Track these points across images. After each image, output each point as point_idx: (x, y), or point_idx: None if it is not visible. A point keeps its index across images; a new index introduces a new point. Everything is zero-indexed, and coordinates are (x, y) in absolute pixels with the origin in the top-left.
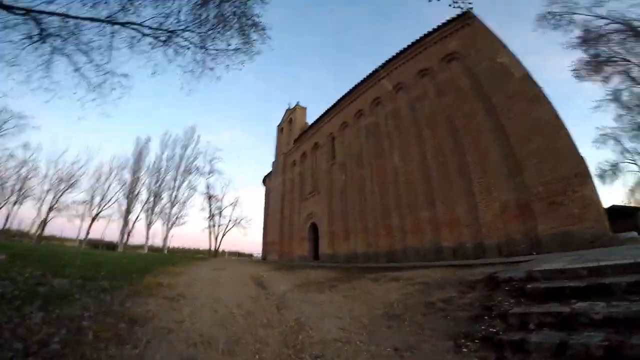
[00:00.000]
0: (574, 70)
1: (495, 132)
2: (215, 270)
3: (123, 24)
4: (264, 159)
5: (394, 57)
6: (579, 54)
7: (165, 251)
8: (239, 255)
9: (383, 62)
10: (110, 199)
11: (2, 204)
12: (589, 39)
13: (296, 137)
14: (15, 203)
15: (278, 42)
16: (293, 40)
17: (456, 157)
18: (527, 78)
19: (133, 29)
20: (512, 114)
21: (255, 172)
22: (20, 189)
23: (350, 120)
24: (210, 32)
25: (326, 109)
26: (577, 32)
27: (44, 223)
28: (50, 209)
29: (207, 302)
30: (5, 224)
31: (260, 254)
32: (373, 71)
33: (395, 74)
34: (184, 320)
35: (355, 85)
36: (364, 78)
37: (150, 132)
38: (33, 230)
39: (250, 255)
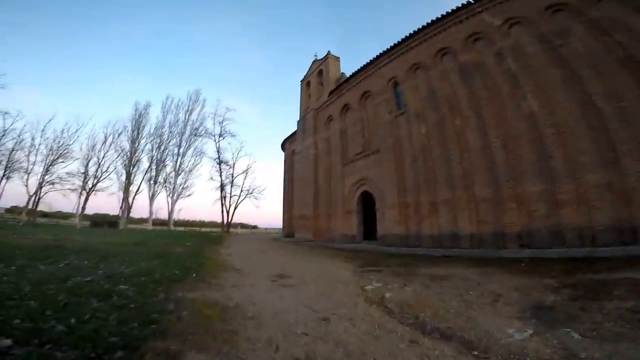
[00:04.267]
0: None
1: None
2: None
3: None
4: (275, 129)
5: None
6: None
7: (171, 226)
8: (253, 228)
9: None
10: (108, 169)
11: None
12: None
13: (332, 88)
14: (2, 178)
15: None
16: None
17: None
18: None
19: None
20: None
21: (264, 143)
22: (7, 163)
23: (427, 60)
24: None
25: (381, 51)
26: None
27: (37, 199)
28: (42, 183)
29: None
30: None
31: (281, 229)
32: (462, 5)
33: (504, 6)
34: None
35: (432, 22)
36: (446, 13)
37: (150, 98)
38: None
39: (266, 230)
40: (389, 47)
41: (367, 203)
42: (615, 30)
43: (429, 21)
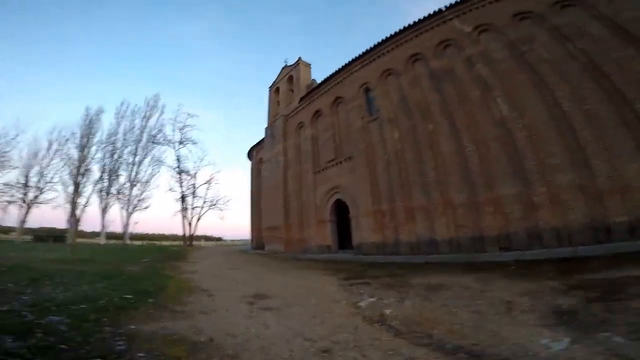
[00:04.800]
0: None
1: None
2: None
3: None
4: (238, 138)
5: None
6: None
7: (127, 240)
8: (217, 240)
9: (451, 2)
10: (52, 179)
11: None
12: None
13: (303, 94)
14: None
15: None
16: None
17: (614, 105)
18: None
19: None
20: None
21: (227, 152)
22: None
23: (399, 66)
24: None
25: (354, 57)
26: None
27: None
28: None
29: None
30: None
31: (250, 241)
32: (434, 12)
33: (474, 14)
34: None
35: (404, 28)
36: (418, 20)
37: (104, 103)
38: None
39: (232, 242)
40: (361, 53)
41: (341, 211)
42: (577, 37)
43: (401, 28)
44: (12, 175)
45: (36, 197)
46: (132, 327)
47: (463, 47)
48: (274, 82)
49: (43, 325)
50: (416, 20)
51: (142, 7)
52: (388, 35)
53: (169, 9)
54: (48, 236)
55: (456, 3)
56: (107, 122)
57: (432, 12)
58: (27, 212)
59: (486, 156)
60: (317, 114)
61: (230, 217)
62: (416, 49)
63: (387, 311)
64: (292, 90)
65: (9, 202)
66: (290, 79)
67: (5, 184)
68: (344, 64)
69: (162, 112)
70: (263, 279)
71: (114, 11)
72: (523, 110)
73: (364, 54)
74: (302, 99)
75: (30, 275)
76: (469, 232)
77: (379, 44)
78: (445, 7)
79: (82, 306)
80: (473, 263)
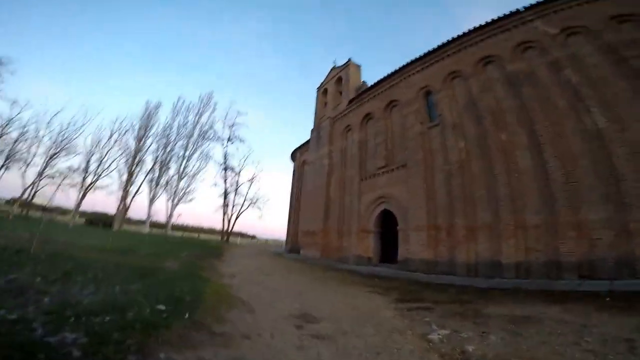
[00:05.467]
0: None
1: None
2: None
3: None
4: (281, 139)
5: None
6: None
7: (169, 231)
8: (252, 239)
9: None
10: (109, 167)
11: None
12: None
13: (352, 97)
14: (1, 167)
15: None
16: None
17: None
18: None
19: None
20: None
21: (271, 152)
22: (8, 153)
23: (467, 69)
24: None
25: (413, 58)
26: None
27: (33, 192)
28: (40, 175)
29: None
30: None
31: (284, 243)
32: (510, 13)
33: (561, 15)
34: None
35: (475, 29)
36: (492, 21)
37: (162, 99)
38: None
39: (266, 241)
40: (422, 54)
41: (386, 223)
42: None
43: (471, 28)
44: (75, 161)
45: (93, 182)
46: (162, 356)
47: (547, 50)
48: (321, 83)
49: (52, 347)
50: (488, 20)
51: (199, 9)
52: (454, 36)
53: (220, 11)
54: (99, 221)
55: (538, 3)
56: (163, 117)
57: (508, 13)
58: (83, 196)
59: (572, 174)
60: (367, 117)
61: (266, 216)
62: (488, 51)
63: (470, 348)
64: (341, 93)
65: (71, 186)
66: (339, 80)
67: (69, 168)
68: (400, 66)
69: (214, 109)
70: (306, 292)
71: (175, 12)
72: (625, 123)
73: (425, 55)
74: (351, 101)
75: (65, 266)
76: (542, 257)
77: (443, 45)
78: (525, 7)
79: (107, 318)
80: (550, 291)
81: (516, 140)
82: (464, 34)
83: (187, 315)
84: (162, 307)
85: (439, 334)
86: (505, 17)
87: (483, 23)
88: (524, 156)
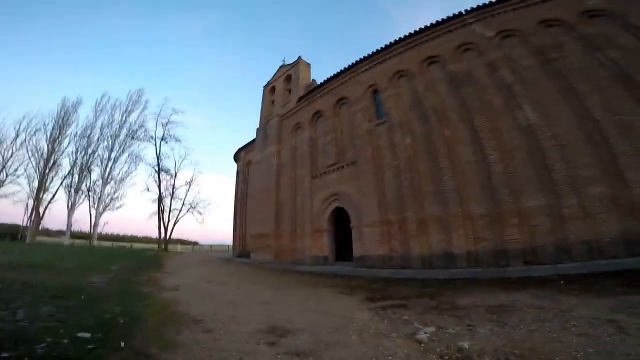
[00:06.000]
0: None
1: None
2: None
3: None
4: (222, 140)
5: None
6: None
7: (95, 241)
8: (194, 245)
9: (474, 6)
10: (16, 172)
11: None
12: None
13: (302, 94)
14: None
15: None
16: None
17: None
18: None
19: None
20: None
21: (211, 154)
22: None
23: (412, 68)
24: None
25: (361, 57)
26: None
27: None
28: None
29: None
30: None
31: (232, 248)
32: (453, 15)
33: (497, 20)
34: None
35: (420, 30)
36: (436, 22)
37: (83, 96)
38: None
39: (210, 247)
40: (370, 53)
41: (339, 220)
42: (607, 47)
43: (416, 29)
44: None
45: None
46: None
47: (484, 51)
48: (269, 81)
49: None
50: (433, 22)
51: (138, 5)
52: (401, 37)
53: (164, 6)
54: (5, 233)
55: (478, 7)
56: (84, 116)
57: (451, 15)
58: None
59: (510, 165)
60: (317, 115)
61: (208, 221)
62: (433, 51)
63: (465, 344)
64: (290, 91)
65: None
66: (288, 78)
67: None
68: (350, 64)
69: (144, 108)
70: (269, 302)
71: (110, 9)
72: (552, 119)
73: (373, 54)
74: (300, 98)
75: None
76: (490, 245)
77: (391, 45)
78: (466, 10)
79: (2, 355)
80: (507, 278)
81: (458, 135)
82: (410, 35)
83: (122, 343)
84: (85, 334)
85: (425, 333)
86: (449, 19)
87: (428, 24)
88: (466, 151)
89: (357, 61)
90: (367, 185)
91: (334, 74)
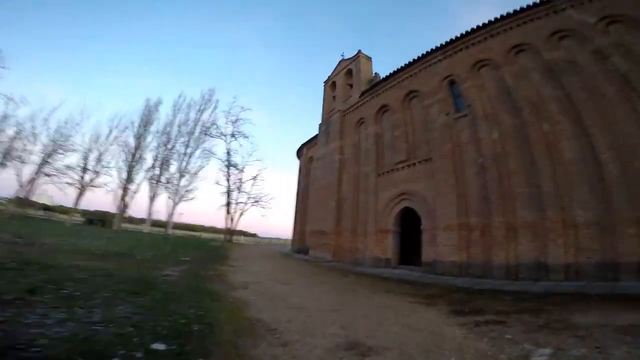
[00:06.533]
0: None
1: None
2: None
3: None
4: (286, 137)
5: None
6: None
7: (170, 230)
8: (253, 237)
9: None
10: (108, 164)
11: None
12: None
13: (364, 89)
14: None
15: None
16: None
17: None
18: None
19: None
20: None
21: (275, 150)
22: (5, 150)
23: (496, 57)
24: None
25: (433, 48)
26: None
27: (30, 190)
28: (37, 174)
29: None
30: None
31: (291, 242)
32: (540, 2)
33: (597, 5)
34: None
35: (502, 17)
36: (520, 9)
37: (163, 95)
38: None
39: (270, 240)
40: (444, 43)
41: (406, 222)
42: None
43: (497, 16)
44: (73, 159)
45: (92, 180)
46: None
47: (588, 38)
48: (329, 76)
49: None
50: (517, 9)
51: (200, 9)
52: (480, 24)
53: (220, 10)
54: (98, 220)
55: None
56: (164, 114)
57: (538, 1)
58: (81, 195)
59: (631, 165)
60: (383, 109)
61: (269, 215)
62: (520, 39)
63: None
64: (351, 85)
65: (68, 184)
66: (349, 72)
67: (67, 166)
68: (420, 55)
69: (215, 107)
70: (340, 308)
71: (177, 14)
72: None
73: (448, 43)
74: (363, 92)
75: (33, 280)
76: (595, 258)
77: (467, 34)
78: None
79: None
80: (623, 294)
81: (560, 130)
82: (490, 22)
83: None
84: (160, 346)
85: (542, 355)
86: (535, 5)
87: (511, 12)
88: (571, 148)
89: (429, 51)
90: (443, 185)
91: (401, 66)
